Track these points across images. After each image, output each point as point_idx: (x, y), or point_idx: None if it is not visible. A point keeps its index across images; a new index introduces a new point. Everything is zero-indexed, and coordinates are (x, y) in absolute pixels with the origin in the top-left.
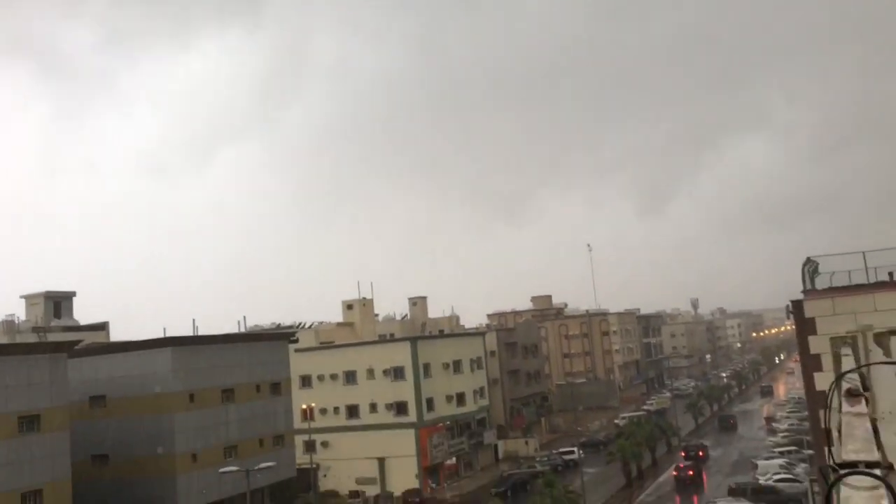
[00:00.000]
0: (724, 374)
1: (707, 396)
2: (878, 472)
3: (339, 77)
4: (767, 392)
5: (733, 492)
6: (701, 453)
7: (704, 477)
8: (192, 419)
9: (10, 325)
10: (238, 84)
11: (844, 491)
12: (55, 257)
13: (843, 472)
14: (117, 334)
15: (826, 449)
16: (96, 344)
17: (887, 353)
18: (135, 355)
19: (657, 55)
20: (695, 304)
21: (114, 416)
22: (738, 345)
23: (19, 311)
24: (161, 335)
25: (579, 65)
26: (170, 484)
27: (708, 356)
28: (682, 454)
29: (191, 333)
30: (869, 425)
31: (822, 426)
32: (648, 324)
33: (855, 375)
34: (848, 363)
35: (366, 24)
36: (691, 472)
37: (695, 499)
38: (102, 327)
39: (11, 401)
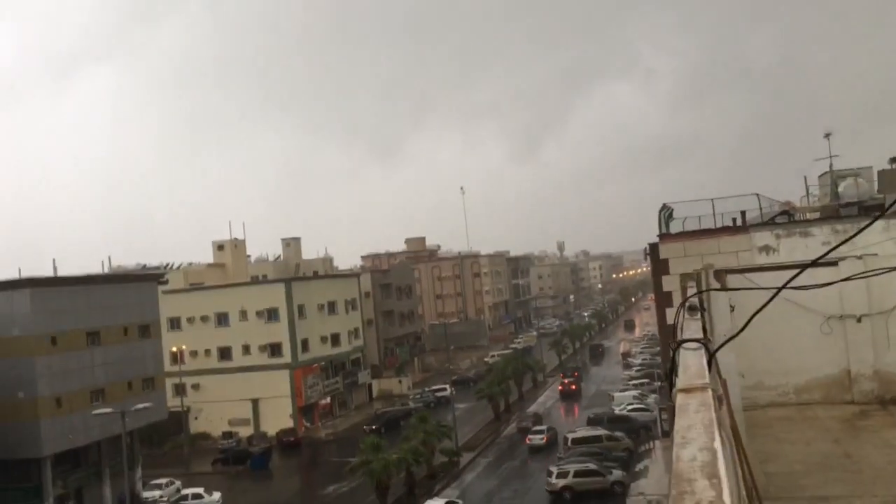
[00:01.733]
0: (585, 314)
1: (570, 334)
2: (700, 342)
3: (222, 4)
4: (630, 326)
5: (592, 421)
6: (576, 374)
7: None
8: (55, 363)
9: None
10: (105, 5)
11: (682, 354)
12: None
13: (681, 342)
14: None
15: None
16: None
17: (723, 286)
18: None
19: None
20: (560, 247)
21: None
22: (600, 286)
23: None
24: (17, 277)
25: (453, 5)
26: (33, 429)
27: (572, 297)
28: (562, 376)
29: (51, 275)
30: (699, 325)
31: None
32: (517, 265)
33: (695, 300)
34: (692, 293)
35: None
36: (574, 387)
37: (575, 407)
38: None
39: None
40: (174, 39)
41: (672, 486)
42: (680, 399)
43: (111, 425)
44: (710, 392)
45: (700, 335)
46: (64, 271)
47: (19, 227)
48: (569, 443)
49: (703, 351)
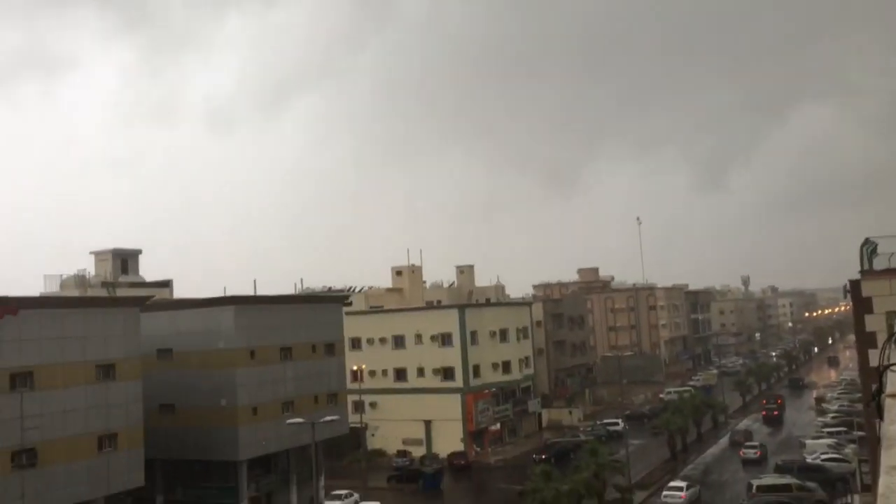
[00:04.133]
0: (773, 354)
1: (756, 374)
2: None
3: (419, 32)
4: (834, 363)
5: (780, 469)
6: (779, 400)
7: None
8: (253, 374)
9: (81, 279)
10: (317, 34)
11: (890, 376)
12: (123, 207)
13: (888, 366)
14: (180, 291)
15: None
16: (163, 300)
17: None
18: (200, 312)
19: (718, 19)
20: (745, 281)
21: (180, 369)
22: (790, 324)
23: (89, 267)
24: (221, 293)
25: (636, 29)
26: (231, 434)
27: (757, 335)
28: (763, 402)
29: (251, 293)
30: None
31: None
32: (697, 299)
33: None
34: None
35: None
36: (776, 413)
37: (779, 430)
38: (167, 284)
39: (89, 350)
40: (372, 68)
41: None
42: (888, 402)
43: (299, 435)
44: None
45: None
46: (262, 290)
47: (222, 247)
48: (753, 489)
49: None
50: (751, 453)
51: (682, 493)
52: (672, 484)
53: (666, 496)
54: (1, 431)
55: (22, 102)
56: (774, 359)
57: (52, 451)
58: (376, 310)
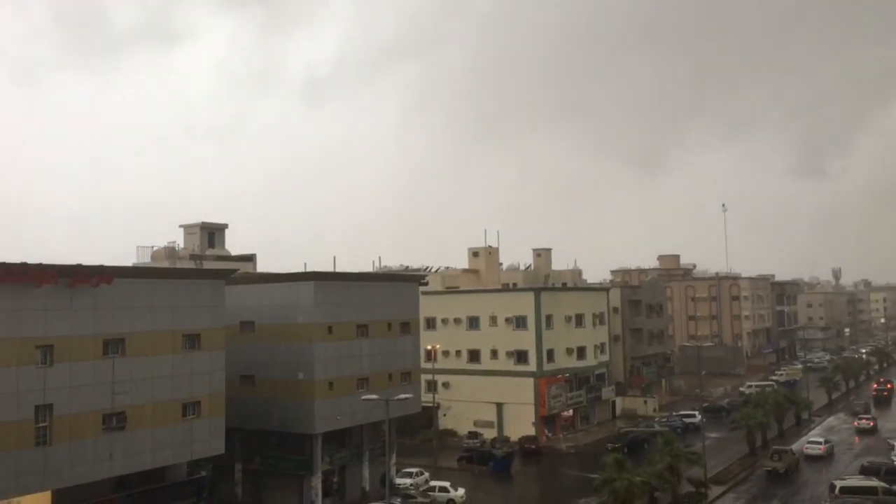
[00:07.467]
0: (863, 350)
1: (843, 371)
2: None
3: (503, 13)
4: None
5: (865, 470)
6: (889, 385)
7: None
8: (330, 349)
9: (171, 251)
10: (417, 12)
11: None
12: (216, 177)
13: None
14: (263, 265)
15: None
16: (247, 273)
17: None
18: (281, 286)
19: None
20: (836, 274)
21: (260, 341)
22: (882, 320)
23: (179, 239)
24: (302, 269)
25: (726, 7)
26: (308, 407)
27: (847, 330)
28: (875, 385)
29: (330, 269)
30: None
31: None
32: (783, 291)
33: None
34: None
35: None
36: (886, 393)
37: (887, 411)
38: (251, 258)
39: (177, 320)
40: (462, 48)
41: None
42: None
43: (373, 412)
44: None
45: None
46: (341, 267)
47: (306, 223)
48: (836, 491)
49: None
50: (864, 424)
51: (822, 447)
52: (812, 439)
53: (808, 447)
54: (94, 394)
55: (136, 73)
56: (864, 356)
57: (139, 415)
58: (452, 290)
